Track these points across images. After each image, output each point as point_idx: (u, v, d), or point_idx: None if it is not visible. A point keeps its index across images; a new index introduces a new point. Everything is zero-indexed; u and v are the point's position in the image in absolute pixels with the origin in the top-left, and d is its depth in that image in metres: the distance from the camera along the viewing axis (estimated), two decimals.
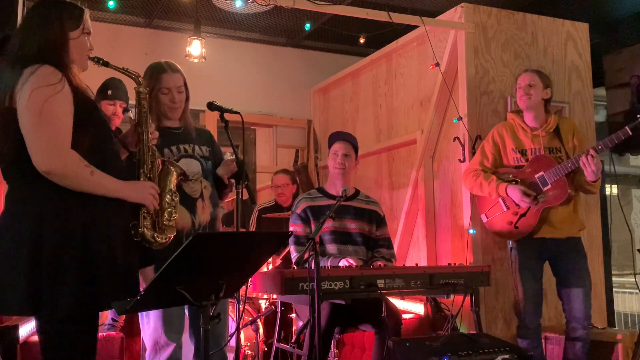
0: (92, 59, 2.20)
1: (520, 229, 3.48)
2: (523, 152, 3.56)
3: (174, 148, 2.80)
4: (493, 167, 3.63)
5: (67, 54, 2.07)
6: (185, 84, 2.87)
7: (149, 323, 2.75)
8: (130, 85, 2.51)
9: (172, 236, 2.31)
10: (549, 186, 3.41)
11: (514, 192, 3.44)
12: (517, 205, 3.47)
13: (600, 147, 3.27)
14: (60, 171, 1.96)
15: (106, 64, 2.23)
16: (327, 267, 3.11)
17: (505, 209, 3.54)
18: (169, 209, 2.30)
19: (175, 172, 2.40)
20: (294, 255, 3.40)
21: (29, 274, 1.91)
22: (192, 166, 2.80)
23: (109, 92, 3.81)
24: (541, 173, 3.43)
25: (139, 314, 2.92)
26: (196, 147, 2.86)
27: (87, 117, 2.06)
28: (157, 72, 2.82)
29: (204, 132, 2.99)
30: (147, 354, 2.79)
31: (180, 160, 2.78)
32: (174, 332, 2.72)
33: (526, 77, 3.57)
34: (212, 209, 2.85)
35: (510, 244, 3.55)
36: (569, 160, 3.37)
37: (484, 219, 3.68)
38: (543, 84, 3.55)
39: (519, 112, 3.65)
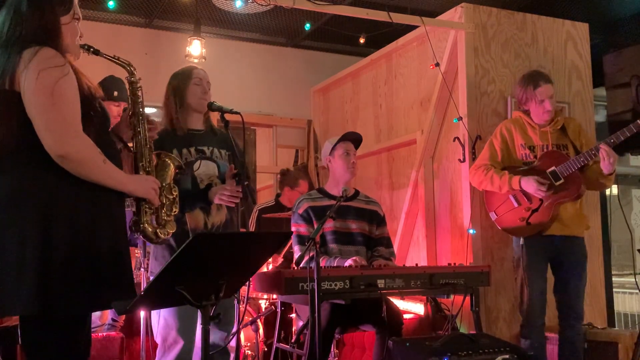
0: (82, 46, 2.12)
1: (533, 225, 3.46)
2: (532, 149, 3.56)
3: (192, 149, 2.85)
4: (502, 163, 3.61)
5: (61, 39, 1.99)
6: None
7: (160, 320, 2.76)
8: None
9: (172, 231, 2.26)
10: (562, 181, 3.41)
11: (529, 183, 3.41)
12: (529, 200, 3.46)
13: (612, 140, 3.28)
14: (76, 155, 1.85)
15: (97, 52, 2.15)
16: (333, 266, 3.11)
17: (516, 205, 3.52)
18: (168, 204, 2.25)
19: (172, 165, 2.34)
20: (300, 255, 3.39)
21: (37, 272, 1.80)
22: (208, 168, 2.86)
23: (115, 93, 3.76)
24: (553, 168, 3.43)
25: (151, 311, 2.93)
26: (215, 150, 2.91)
27: (90, 106, 1.98)
28: (188, 69, 2.97)
29: (226, 136, 2.98)
30: (157, 351, 2.80)
31: (197, 161, 2.82)
32: (184, 329, 2.72)
33: (549, 89, 3.53)
34: (227, 211, 2.89)
35: (521, 241, 3.53)
36: (581, 154, 3.37)
37: (493, 217, 3.65)
38: (554, 88, 3.59)
39: (525, 110, 3.65)
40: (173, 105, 2.90)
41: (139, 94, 2.23)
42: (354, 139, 3.58)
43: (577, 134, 3.58)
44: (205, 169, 2.85)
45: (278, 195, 5.15)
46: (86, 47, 2.13)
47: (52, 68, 1.85)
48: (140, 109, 2.22)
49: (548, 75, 3.65)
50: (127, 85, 2.26)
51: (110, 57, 2.19)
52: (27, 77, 1.85)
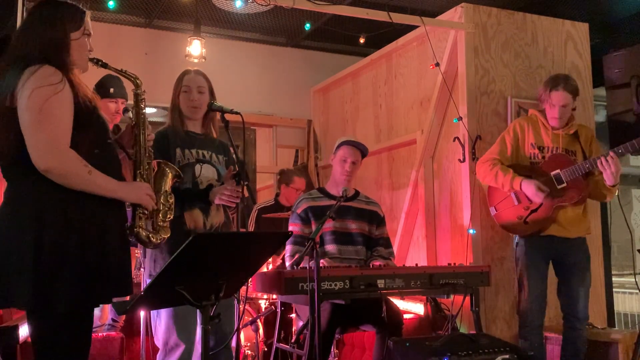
0: (91, 60, 2.23)
1: (530, 224, 3.47)
2: (541, 149, 3.56)
3: (193, 151, 2.89)
4: (511, 159, 3.61)
5: (69, 54, 2.10)
6: (211, 92, 2.97)
7: (161, 323, 2.76)
8: (128, 85, 2.54)
9: (166, 237, 2.33)
10: (564, 184, 3.41)
11: (529, 187, 3.41)
12: (529, 200, 3.47)
13: (621, 150, 3.26)
14: (58, 170, 1.98)
15: (105, 66, 2.27)
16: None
17: (516, 203, 3.53)
18: (164, 210, 2.33)
19: (170, 174, 2.43)
20: (287, 255, 3.40)
21: (32, 270, 1.93)
22: (208, 172, 2.89)
23: (111, 90, 3.81)
24: (557, 171, 3.42)
25: (151, 313, 2.94)
26: (213, 155, 2.95)
27: (87, 118, 2.08)
28: (180, 75, 2.98)
29: (223, 143, 3.04)
30: (158, 354, 2.80)
31: (197, 164, 2.86)
32: (185, 332, 2.73)
33: (563, 98, 3.47)
34: (225, 213, 2.93)
35: (516, 239, 3.53)
36: (587, 161, 3.37)
37: (493, 212, 3.66)
38: (574, 99, 3.52)
39: (541, 110, 3.64)
40: (171, 109, 2.97)
41: (142, 105, 2.35)
42: (356, 147, 3.55)
43: (589, 142, 3.58)
44: (205, 173, 2.88)
45: (277, 195, 5.16)
46: (95, 60, 2.24)
47: (44, 87, 1.97)
48: (143, 119, 2.32)
49: (574, 85, 3.54)
50: (132, 97, 2.36)
51: (118, 70, 2.31)
52: (22, 96, 1.98)
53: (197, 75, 2.97)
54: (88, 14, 2.19)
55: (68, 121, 2.02)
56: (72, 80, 2.06)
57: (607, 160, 3.24)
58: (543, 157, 3.54)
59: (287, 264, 3.39)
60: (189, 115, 2.93)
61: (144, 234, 2.25)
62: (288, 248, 3.42)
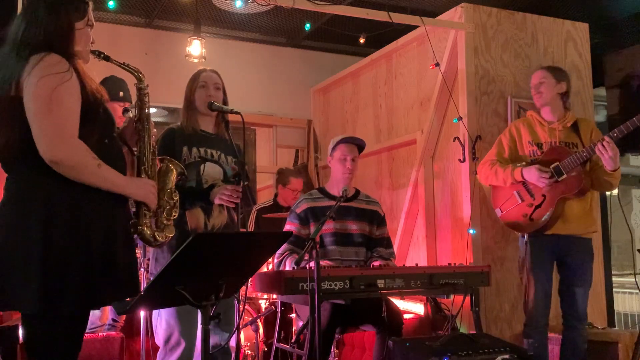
0: (93, 52, 2.18)
1: (535, 220, 3.47)
2: (539, 145, 3.56)
3: (202, 149, 2.89)
4: (509, 159, 3.62)
5: (73, 44, 2.05)
6: (224, 91, 2.99)
7: (162, 321, 2.76)
8: (130, 83, 2.52)
9: (171, 236, 2.28)
10: (565, 176, 3.40)
11: (531, 172, 3.42)
12: (531, 197, 3.47)
13: (615, 134, 3.26)
14: (67, 161, 1.91)
15: (107, 58, 2.22)
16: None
17: (520, 201, 3.53)
18: (168, 208, 2.28)
19: (174, 171, 2.38)
20: (278, 253, 3.37)
21: (39, 274, 1.86)
22: (214, 171, 2.89)
23: (121, 93, 3.83)
24: (556, 163, 3.42)
25: (153, 311, 2.94)
26: (222, 155, 2.94)
27: (95, 111, 2.03)
28: (197, 73, 3.00)
29: (234, 144, 3.02)
30: (158, 353, 2.80)
31: (205, 163, 2.86)
32: (186, 331, 2.73)
33: (536, 76, 3.61)
34: (228, 214, 2.92)
35: (525, 238, 3.53)
36: (584, 149, 3.37)
37: (499, 213, 3.65)
38: (556, 79, 3.56)
39: (537, 109, 3.65)
40: (185, 107, 2.98)
41: (146, 99, 2.29)
42: (356, 144, 3.55)
43: (589, 133, 3.56)
44: (211, 171, 2.87)
45: (276, 195, 5.16)
46: (97, 52, 2.20)
47: (52, 75, 1.90)
48: (146, 114, 2.27)
49: (554, 67, 3.67)
50: (135, 91, 2.33)
51: (121, 63, 2.25)
52: (28, 84, 1.91)
53: (212, 73, 3.01)
54: (91, 5, 2.14)
55: (76, 111, 1.95)
56: (78, 70, 2.01)
57: (603, 146, 3.24)
58: (542, 153, 3.54)
59: (275, 261, 3.38)
60: (204, 111, 2.93)
61: (148, 232, 2.18)
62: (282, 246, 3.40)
